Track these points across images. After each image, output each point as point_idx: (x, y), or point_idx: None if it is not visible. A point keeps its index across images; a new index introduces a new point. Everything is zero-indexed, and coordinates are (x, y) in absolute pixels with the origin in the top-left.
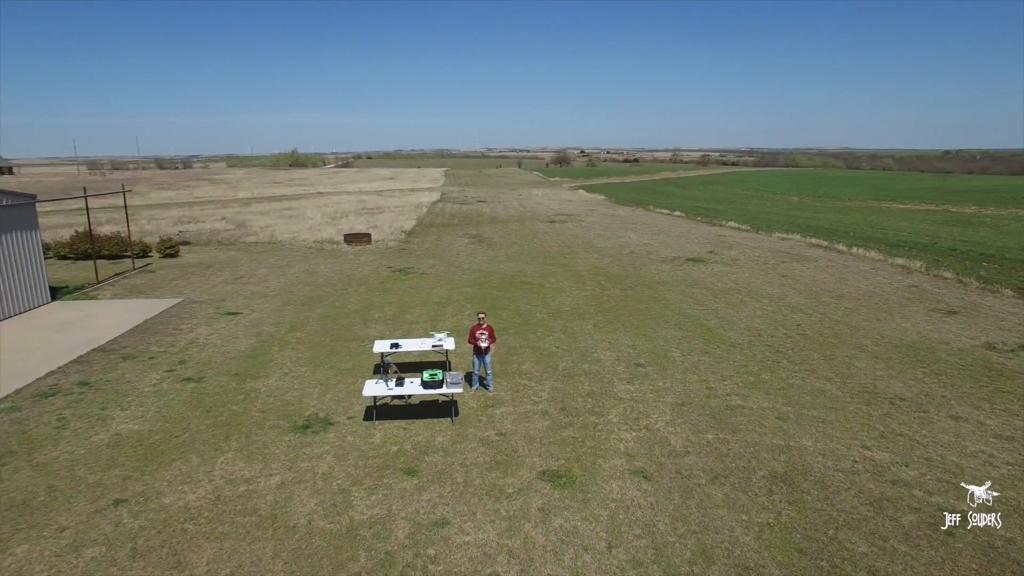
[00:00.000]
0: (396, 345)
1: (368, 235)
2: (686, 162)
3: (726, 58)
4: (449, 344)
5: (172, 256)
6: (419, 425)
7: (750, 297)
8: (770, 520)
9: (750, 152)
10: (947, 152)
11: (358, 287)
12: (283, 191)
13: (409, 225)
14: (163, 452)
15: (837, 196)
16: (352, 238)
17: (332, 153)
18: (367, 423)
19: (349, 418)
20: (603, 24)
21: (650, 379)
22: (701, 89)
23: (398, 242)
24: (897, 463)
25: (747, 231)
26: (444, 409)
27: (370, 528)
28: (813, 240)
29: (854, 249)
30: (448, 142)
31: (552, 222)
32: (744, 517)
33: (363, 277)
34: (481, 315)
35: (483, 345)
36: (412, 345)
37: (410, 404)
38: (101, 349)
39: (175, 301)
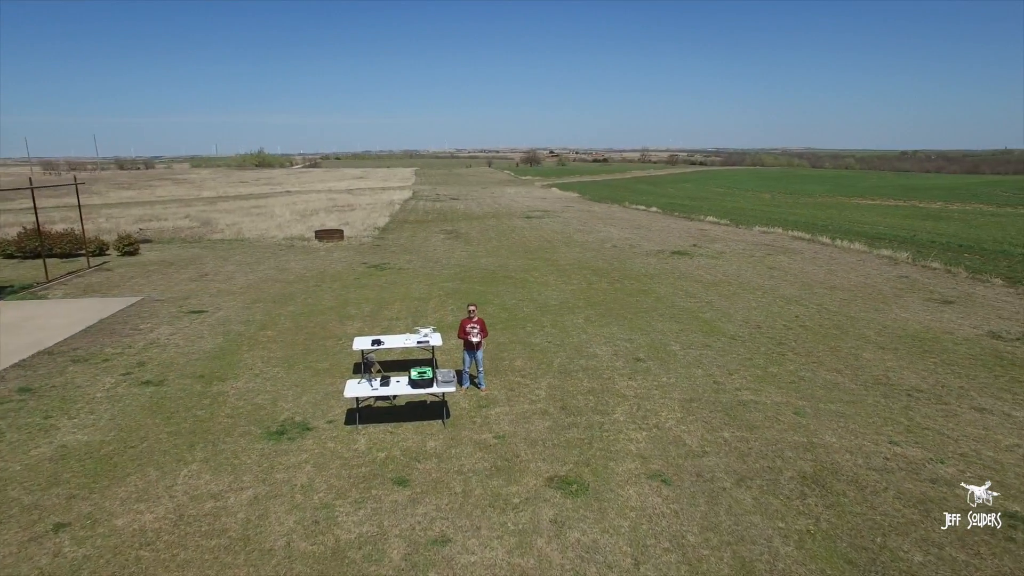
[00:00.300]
0: (378, 342)
1: (340, 231)
2: (655, 162)
3: (693, 60)
4: (436, 340)
5: (131, 254)
6: (407, 428)
7: (742, 289)
8: (810, 527)
9: (717, 152)
10: (904, 152)
11: (332, 283)
12: (250, 190)
13: (382, 222)
14: (116, 465)
15: (807, 193)
16: (323, 234)
17: (299, 154)
18: (349, 427)
19: (329, 422)
20: (572, 25)
21: (652, 374)
22: (668, 90)
23: (372, 238)
24: (931, 460)
25: (727, 225)
26: (434, 410)
27: (359, 549)
28: (795, 233)
29: (838, 241)
30: (417, 143)
31: (529, 218)
32: (781, 524)
33: (337, 273)
34: (472, 307)
35: (475, 340)
36: (396, 341)
37: (395, 406)
38: (48, 352)
39: (134, 300)
